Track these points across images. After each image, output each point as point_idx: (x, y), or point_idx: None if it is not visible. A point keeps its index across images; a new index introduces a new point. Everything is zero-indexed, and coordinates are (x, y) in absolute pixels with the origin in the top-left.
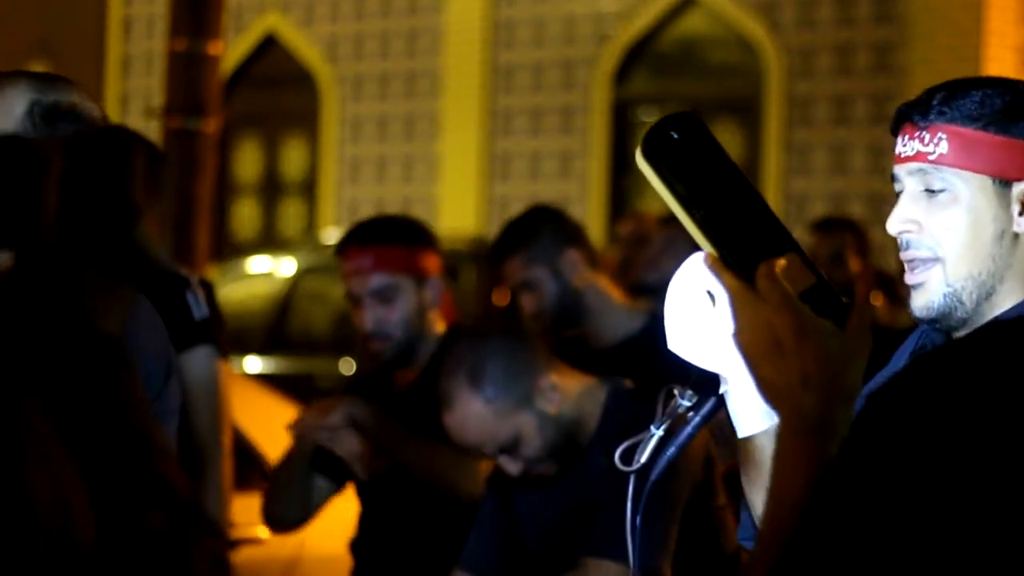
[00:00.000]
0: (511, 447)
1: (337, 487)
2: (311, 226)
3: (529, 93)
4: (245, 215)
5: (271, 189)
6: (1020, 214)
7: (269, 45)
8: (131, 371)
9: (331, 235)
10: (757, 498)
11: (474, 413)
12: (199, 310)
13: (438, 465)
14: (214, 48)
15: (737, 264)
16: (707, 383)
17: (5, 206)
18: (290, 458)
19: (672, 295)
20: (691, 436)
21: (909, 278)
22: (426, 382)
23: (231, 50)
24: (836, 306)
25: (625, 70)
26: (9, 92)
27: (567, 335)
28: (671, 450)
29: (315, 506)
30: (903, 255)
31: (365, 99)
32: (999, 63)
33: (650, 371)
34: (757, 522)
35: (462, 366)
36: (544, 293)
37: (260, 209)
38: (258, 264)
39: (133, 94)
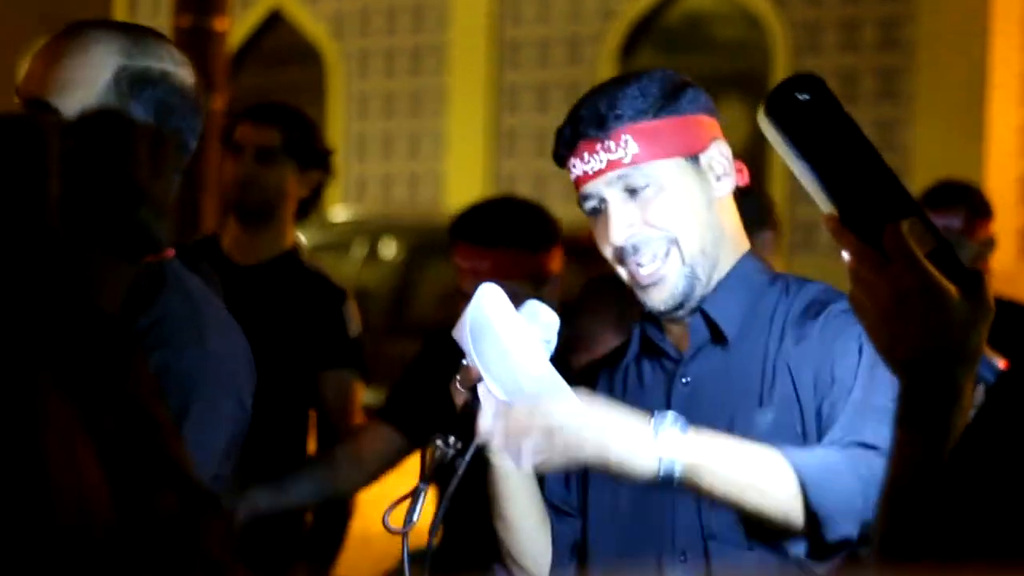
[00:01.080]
0: None
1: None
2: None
3: (535, 69)
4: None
5: None
6: (717, 180)
7: (275, 21)
8: (137, 350)
9: (338, 213)
10: (515, 539)
11: None
12: (353, 327)
13: None
14: (220, 24)
15: (859, 226)
16: (468, 426)
17: (7, 187)
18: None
19: (468, 339)
20: (459, 481)
21: (643, 278)
22: (281, 261)
23: (237, 26)
24: (959, 271)
25: (631, 46)
26: (94, 52)
27: None
28: (444, 503)
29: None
30: (634, 259)
31: (371, 75)
32: (1005, 37)
33: None
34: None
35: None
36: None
37: None
38: None
39: None
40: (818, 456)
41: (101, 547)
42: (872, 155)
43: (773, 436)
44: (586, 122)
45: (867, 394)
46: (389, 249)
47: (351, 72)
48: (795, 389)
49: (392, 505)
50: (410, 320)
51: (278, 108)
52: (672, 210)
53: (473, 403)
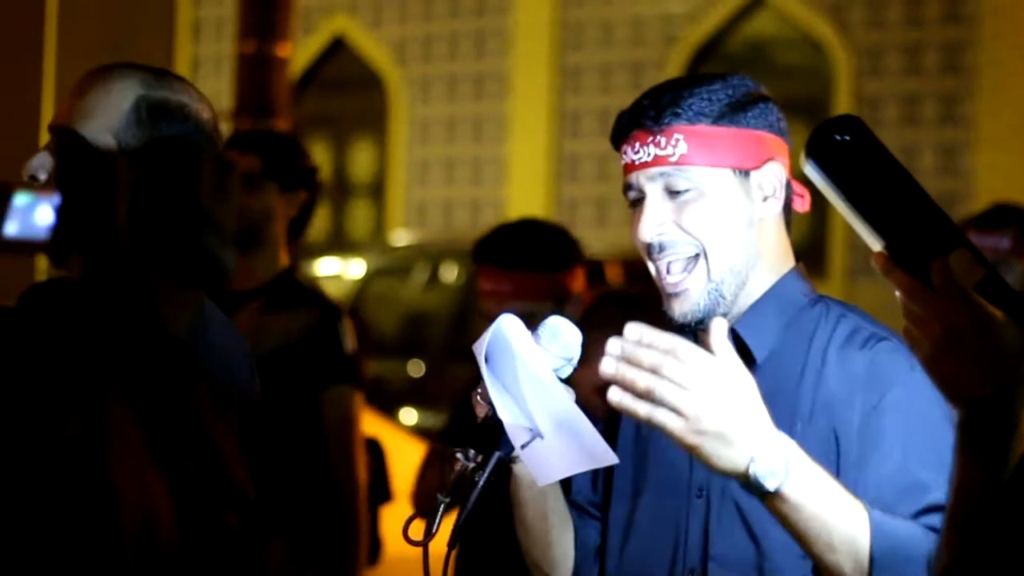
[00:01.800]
0: None
1: None
2: (380, 228)
3: (597, 94)
4: (314, 217)
5: (340, 191)
6: (763, 200)
7: (338, 47)
8: (200, 374)
9: (400, 237)
10: (536, 548)
11: None
12: (349, 343)
13: None
14: (283, 50)
15: (907, 262)
16: (488, 439)
17: (76, 211)
18: None
19: (482, 358)
20: (479, 495)
21: (668, 285)
22: (278, 283)
23: (300, 52)
24: (1008, 297)
25: (693, 71)
26: (117, 85)
27: None
28: (463, 516)
29: None
30: (659, 258)
31: (433, 101)
32: None
33: None
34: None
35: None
36: None
37: (329, 211)
38: (327, 266)
39: None
40: (900, 535)
41: (165, 564)
42: (915, 190)
43: None
44: (644, 112)
45: (924, 455)
46: (450, 273)
47: (413, 98)
48: (835, 428)
49: (411, 517)
50: (470, 344)
51: (257, 135)
52: (707, 220)
53: (493, 416)
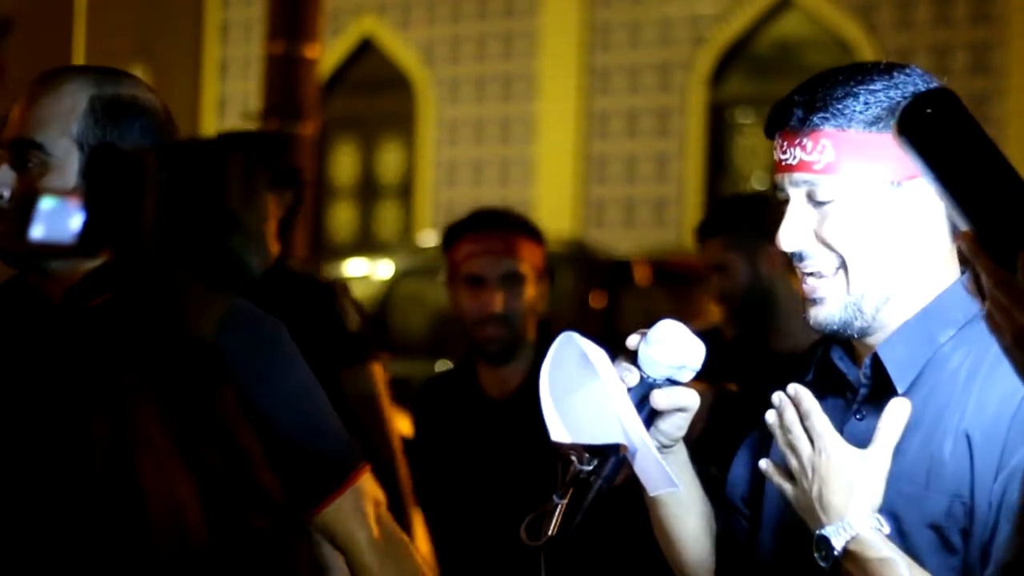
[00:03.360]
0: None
1: None
2: (408, 229)
3: (625, 95)
4: (342, 218)
5: (368, 192)
6: (920, 211)
7: (366, 48)
8: (226, 376)
9: (428, 238)
10: (673, 549)
11: None
12: (352, 319)
13: None
14: (311, 51)
15: (995, 247)
16: (604, 444)
17: (104, 210)
18: None
19: (549, 381)
20: (595, 500)
21: (808, 291)
22: (528, 390)
23: (328, 53)
24: None
25: (721, 72)
26: (67, 88)
27: (750, 330)
28: (578, 518)
29: None
30: (801, 266)
31: (461, 102)
32: None
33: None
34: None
35: None
36: (736, 279)
37: (357, 212)
38: (355, 267)
39: (230, 98)
40: None
41: (195, 565)
42: (1009, 174)
43: (927, 524)
44: (792, 110)
45: None
46: None
47: (441, 99)
48: (971, 469)
49: (529, 518)
50: None
51: (240, 136)
52: (849, 234)
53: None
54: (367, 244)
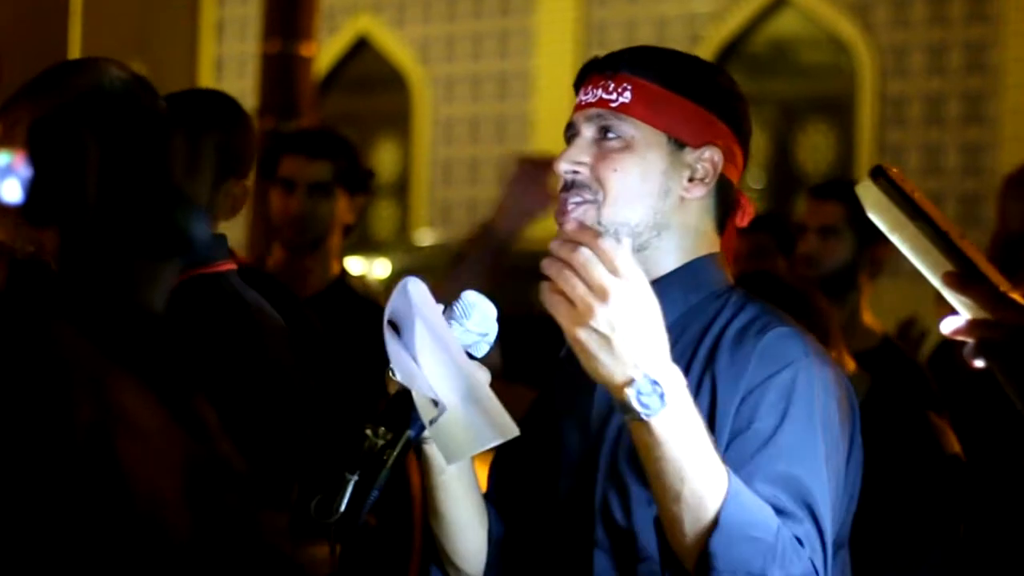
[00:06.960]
0: None
1: None
2: (404, 228)
3: None
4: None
5: None
6: (689, 180)
7: (362, 47)
8: (177, 348)
9: (424, 236)
10: (447, 535)
11: None
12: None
13: None
14: (307, 50)
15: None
16: (399, 417)
17: (48, 184)
18: None
19: (388, 325)
20: (390, 475)
21: (561, 218)
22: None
23: (324, 52)
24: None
25: None
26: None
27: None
28: (374, 493)
29: None
30: (566, 196)
31: (457, 100)
32: None
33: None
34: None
35: None
36: (839, 248)
37: None
38: (352, 266)
39: None
40: (753, 512)
41: (177, 550)
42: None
43: None
44: (607, 59)
45: (786, 458)
46: None
47: (437, 97)
48: (713, 408)
49: (320, 494)
50: None
51: (326, 139)
52: (619, 171)
53: (405, 392)
54: (364, 243)
